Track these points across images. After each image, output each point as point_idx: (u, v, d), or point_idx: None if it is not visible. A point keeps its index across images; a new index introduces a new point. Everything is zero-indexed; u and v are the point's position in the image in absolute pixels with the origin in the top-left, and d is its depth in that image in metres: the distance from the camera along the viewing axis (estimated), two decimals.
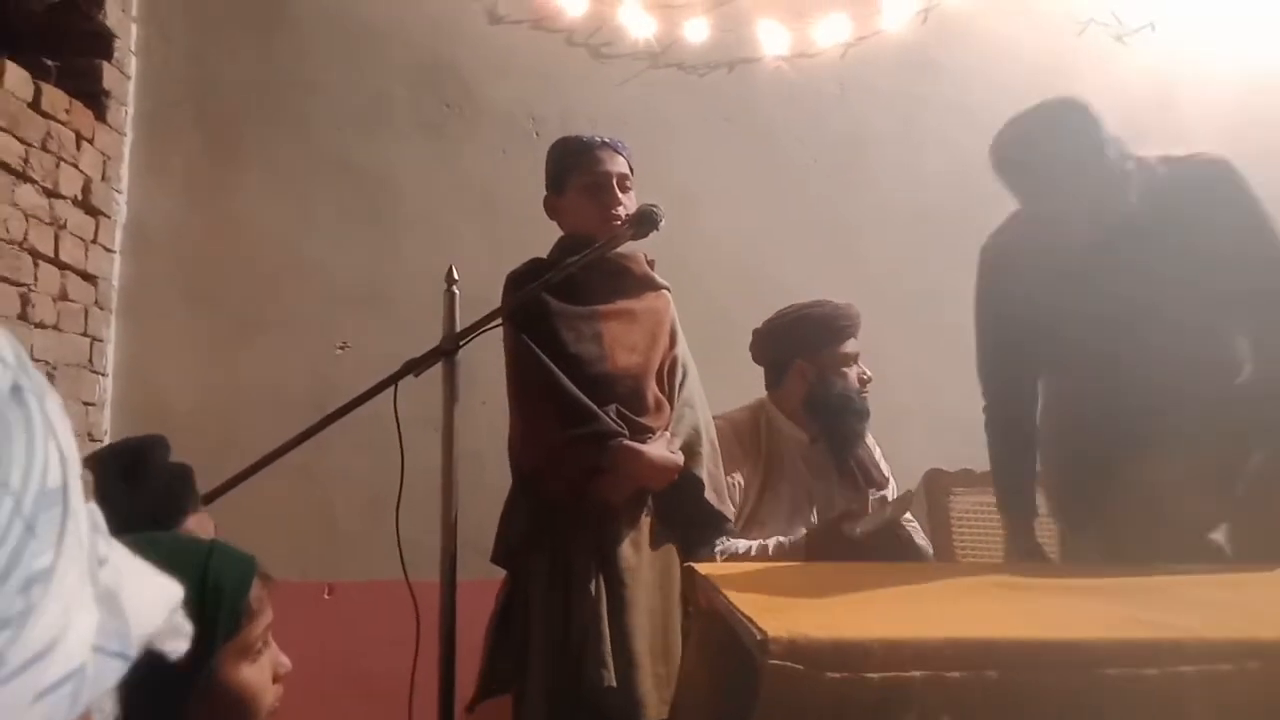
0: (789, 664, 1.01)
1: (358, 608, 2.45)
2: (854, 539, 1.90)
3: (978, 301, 1.87)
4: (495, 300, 1.81)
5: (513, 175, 2.74)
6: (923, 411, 2.66)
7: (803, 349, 2.08)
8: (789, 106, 2.97)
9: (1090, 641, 1.05)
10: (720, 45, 2.97)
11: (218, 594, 0.85)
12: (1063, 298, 1.64)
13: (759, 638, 1.04)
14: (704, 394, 2.01)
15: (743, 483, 2.03)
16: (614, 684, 1.57)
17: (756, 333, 2.17)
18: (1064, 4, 3.10)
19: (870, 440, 2.19)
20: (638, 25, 2.92)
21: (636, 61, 2.94)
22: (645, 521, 1.79)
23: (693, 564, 1.53)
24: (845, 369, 2.06)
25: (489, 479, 1.94)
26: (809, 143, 2.98)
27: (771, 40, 2.98)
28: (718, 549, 1.86)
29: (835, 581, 1.48)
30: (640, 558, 1.73)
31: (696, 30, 2.94)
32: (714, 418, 2.09)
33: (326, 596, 2.58)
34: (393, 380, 1.46)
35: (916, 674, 1.02)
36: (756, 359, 2.19)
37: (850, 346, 2.09)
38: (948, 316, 2.68)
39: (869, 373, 2.13)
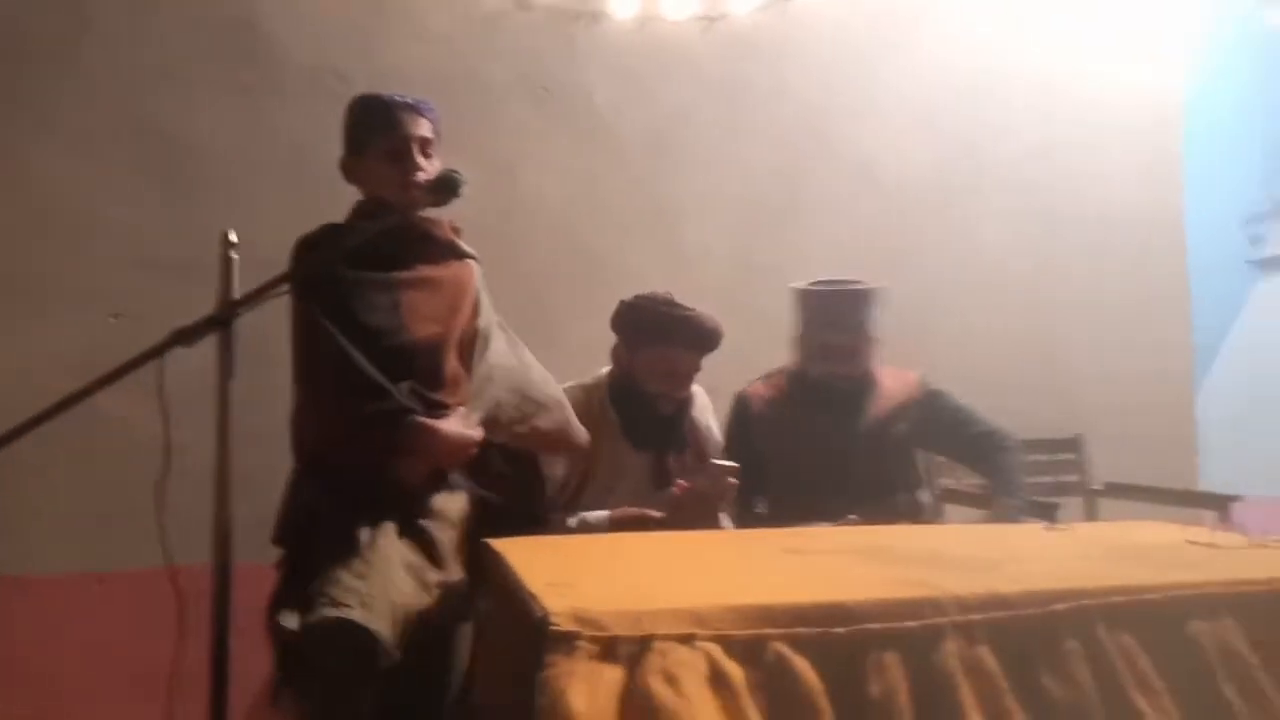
0: (569, 637, 1.02)
1: (132, 598, 2.25)
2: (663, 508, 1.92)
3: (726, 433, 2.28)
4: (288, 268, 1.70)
5: (319, 136, 2.57)
6: (735, 388, 2.74)
7: (625, 335, 2.08)
8: (611, 78, 2.96)
9: (856, 602, 1.11)
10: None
11: None
12: (795, 453, 2.19)
13: (539, 615, 1.04)
14: (519, 365, 1.95)
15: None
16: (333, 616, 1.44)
17: (619, 303, 2.14)
18: None
19: (714, 435, 2.21)
20: None
21: (458, 25, 2.83)
22: (443, 500, 1.73)
23: (486, 540, 1.50)
24: (657, 371, 2.03)
25: (285, 454, 1.83)
26: (631, 117, 2.98)
27: (613, 20, 2.95)
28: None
29: (624, 553, 1.50)
30: (427, 539, 1.67)
31: None
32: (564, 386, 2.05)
33: (97, 587, 2.37)
34: (158, 351, 1.33)
35: (701, 631, 1.05)
36: None
37: (673, 354, 2.03)
38: (762, 297, 2.78)
39: (684, 392, 2.09)
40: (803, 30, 3.13)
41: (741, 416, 2.26)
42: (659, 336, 2.01)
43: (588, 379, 2.14)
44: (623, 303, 2.11)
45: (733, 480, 1.92)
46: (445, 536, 1.69)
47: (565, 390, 2.07)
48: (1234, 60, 4.58)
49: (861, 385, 2.23)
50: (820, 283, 2.24)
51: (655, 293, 2.09)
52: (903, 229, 3.21)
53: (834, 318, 2.18)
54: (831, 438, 2.17)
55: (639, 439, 2.05)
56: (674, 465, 2.05)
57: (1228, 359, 4.60)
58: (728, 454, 2.11)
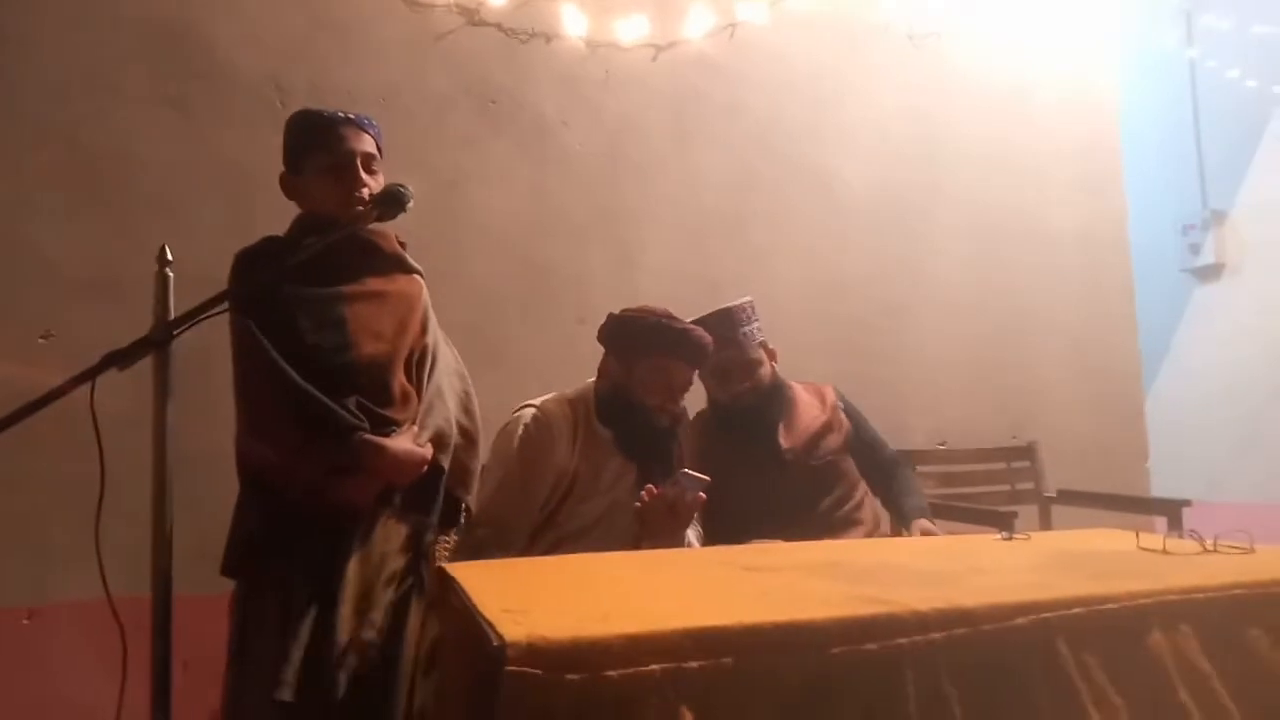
0: (527, 669, 0.98)
1: (64, 633, 2.16)
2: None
3: None
4: (228, 285, 1.64)
5: (256, 151, 2.51)
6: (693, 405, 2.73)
7: (620, 348, 2.04)
8: (559, 90, 2.95)
9: (816, 622, 1.09)
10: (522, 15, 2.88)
11: None
12: (730, 480, 2.06)
13: (496, 644, 1.00)
14: (465, 383, 1.92)
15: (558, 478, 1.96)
16: (289, 699, 1.49)
17: (608, 316, 2.11)
18: (843, 14, 3.27)
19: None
20: None
21: (402, 36, 2.79)
22: (387, 523, 1.69)
23: (443, 565, 1.46)
24: (656, 384, 2.00)
25: (228, 480, 1.76)
26: (577, 129, 2.96)
27: (561, 36, 2.94)
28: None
29: (579, 575, 1.46)
30: (369, 570, 1.64)
31: None
32: (528, 406, 2.01)
33: (25, 622, 2.26)
34: (90, 374, 1.27)
35: (656, 668, 1.02)
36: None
37: (672, 367, 2.02)
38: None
39: (679, 406, 2.09)
40: (755, 48, 3.15)
41: (695, 445, 2.25)
42: (658, 348, 2.00)
43: (569, 390, 2.10)
44: (615, 315, 2.08)
45: (701, 494, 1.88)
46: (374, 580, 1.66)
47: (547, 401, 2.04)
48: (1171, 76, 4.72)
49: (773, 397, 2.27)
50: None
51: (648, 306, 2.08)
52: (855, 243, 3.24)
53: (716, 340, 2.17)
54: (762, 458, 2.20)
55: (633, 452, 2.01)
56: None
57: (1170, 366, 4.72)
58: None
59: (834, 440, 2.30)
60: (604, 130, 2.99)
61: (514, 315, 2.82)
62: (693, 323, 2.15)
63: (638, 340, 2.01)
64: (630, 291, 2.88)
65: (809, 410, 2.32)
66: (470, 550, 1.84)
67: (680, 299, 2.35)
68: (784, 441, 2.24)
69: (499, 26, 2.87)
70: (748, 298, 2.32)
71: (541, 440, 1.95)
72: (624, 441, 2.01)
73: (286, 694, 1.46)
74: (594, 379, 2.12)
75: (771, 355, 2.32)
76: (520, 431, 1.97)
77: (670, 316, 2.03)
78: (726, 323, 2.23)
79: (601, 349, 2.11)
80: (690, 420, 2.33)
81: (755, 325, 2.29)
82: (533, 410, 2.01)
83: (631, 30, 3.02)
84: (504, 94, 2.89)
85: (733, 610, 1.14)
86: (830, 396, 2.38)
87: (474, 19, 2.85)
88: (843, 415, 2.35)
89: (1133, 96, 4.17)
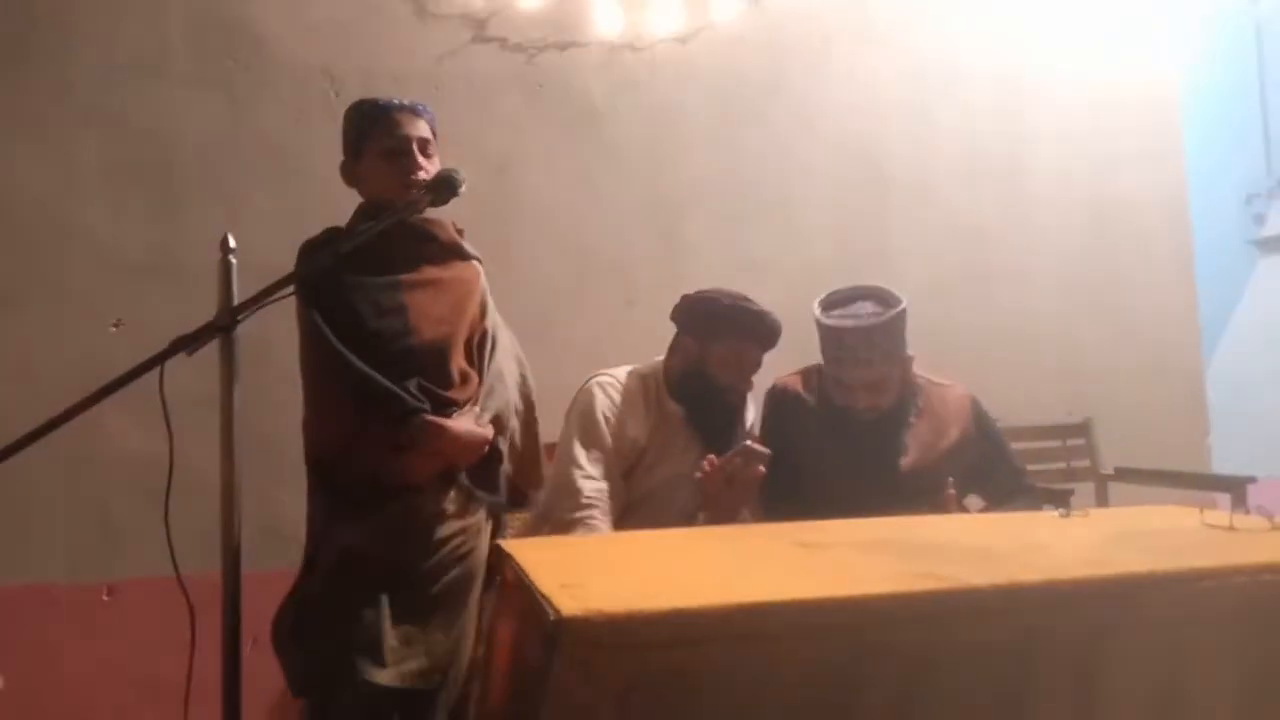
0: (582, 642, 1.00)
1: (142, 608, 2.25)
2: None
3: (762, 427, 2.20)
4: (288, 272, 1.68)
5: (308, 138, 2.56)
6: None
7: (697, 328, 2.08)
8: (603, 73, 2.94)
9: (869, 598, 1.10)
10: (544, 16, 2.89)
11: None
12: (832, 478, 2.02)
13: (553, 617, 1.02)
14: (522, 367, 1.95)
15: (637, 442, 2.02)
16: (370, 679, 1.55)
17: (682, 297, 2.15)
18: None
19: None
20: None
21: (450, 22, 2.81)
22: (452, 503, 1.72)
23: (500, 542, 1.49)
24: (731, 365, 2.04)
25: (290, 461, 1.82)
26: (624, 114, 2.96)
27: (605, 21, 2.93)
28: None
29: (638, 552, 1.48)
30: (433, 549, 1.68)
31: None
32: (602, 374, 2.07)
33: (105, 598, 2.36)
34: (159, 359, 1.32)
35: (709, 641, 1.04)
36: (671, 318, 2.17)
37: (745, 348, 2.05)
38: (760, 291, 2.76)
39: (750, 386, 2.11)
40: (793, 23, 3.11)
41: (778, 411, 2.15)
42: (735, 331, 2.04)
43: (642, 366, 2.16)
44: (690, 297, 2.12)
45: (761, 468, 1.90)
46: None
47: (618, 371, 2.10)
48: (1235, 39, 4.55)
49: (895, 415, 2.07)
50: (835, 296, 2.09)
51: (721, 289, 2.11)
52: (901, 219, 3.19)
53: (844, 353, 2.01)
54: (871, 468, 2.01)
55: (703, 429, 2.06)
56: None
57: (1232, 340, 4.58)
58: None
59: (957, 461, 2.06)
60: (648, 113, 2.98)
61: (561, 297, 2.84)
62: (851, 328, 1.98)
63: (715, 322, 2.05)
64: (676, 273, 2.88)
65: (937, 426, 2.09)
66: (564, 525, 1.89)
67: (725, 280, 2.35)
68: (903, 460, 2.03)
69: (499, 40, 2.88)
70: (904, 301, 2.02)
71: (613, 405, 2.03)
72: (695, 418, 2.07)
73: (385, 678, 1.53)
74: (661, 357, 2.16)
75: (908, 363, 2.08)
76: (597, 394, 2.04)
77: (745, 300, 2.06)
78: (869, 338, 1.97)
79: (651, 327, 2.13)
80: (802, 375, 2.19)
81: (895, 341, 2.01)
82: (607, 378, 2.09)
83: (663, 24, 2.99)
84: (549, 77, 2.89)
85: (786, 586, 1.15)
86: (965, 410, 2.13)
87: (482, 29, 2.85)
88: (973, 432, 2.11)
89: (1193, 58, 4.02)
